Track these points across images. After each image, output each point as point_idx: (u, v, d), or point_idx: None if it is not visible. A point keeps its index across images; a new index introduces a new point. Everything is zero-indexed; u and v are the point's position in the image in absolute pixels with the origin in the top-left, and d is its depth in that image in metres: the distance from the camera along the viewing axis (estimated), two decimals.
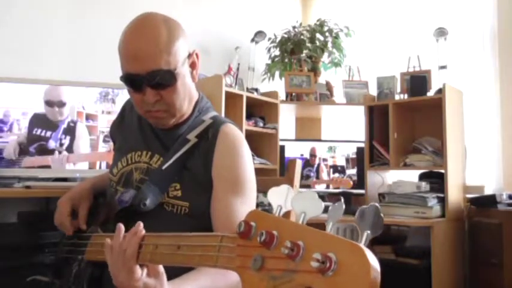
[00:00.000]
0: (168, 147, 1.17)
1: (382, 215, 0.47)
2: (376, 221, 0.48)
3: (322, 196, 3.18)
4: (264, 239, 0.51)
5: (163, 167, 1.12)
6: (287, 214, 0.56)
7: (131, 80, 1.07)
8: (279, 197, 0.57)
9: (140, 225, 0.88)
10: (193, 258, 0.69)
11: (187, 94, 1.14)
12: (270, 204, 0.58)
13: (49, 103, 2.19)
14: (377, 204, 0.49)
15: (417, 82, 2.91)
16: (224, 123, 1.19)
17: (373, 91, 3.17)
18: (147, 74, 1.04)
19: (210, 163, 1.13)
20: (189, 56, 1.14)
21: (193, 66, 1.16)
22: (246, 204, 1.09)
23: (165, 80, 1.06)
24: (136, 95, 1.10)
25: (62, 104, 2.21)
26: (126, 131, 1.30)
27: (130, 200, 1.10)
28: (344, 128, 3.57)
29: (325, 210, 0.55)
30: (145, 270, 0.85)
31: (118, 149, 1.31)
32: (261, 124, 3.03)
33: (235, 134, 1.19)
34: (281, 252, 0.48)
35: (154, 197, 1.09)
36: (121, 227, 0.90)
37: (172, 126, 1.18)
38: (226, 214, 1.07)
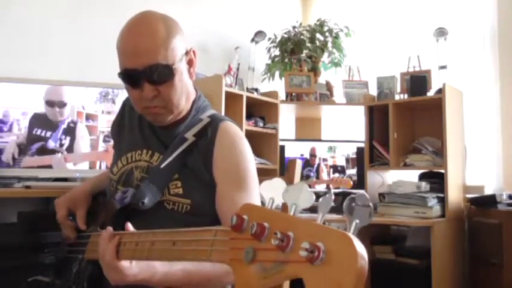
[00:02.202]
0: (167, 146, 1.18)
1: (371, 204, 0.48)
2: (365, 210, 0.48)
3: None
4: (255, 230, 0.51)
5: (162, 166, 1.12)
6: (284, 208, 0.56)
7: (129, 76, 1.08)
8: (271, 190, 0.57)
9: (129, 225, 0.93)
10: (188, 254, 0.70)
11: (184, 91, 1.15)
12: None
13: (50, 103, 2.19)
14: (365, 193, 0.48)
15: (417, 82, 2.91)
16: (222, 121, 1.20)
17: (373, 91, 3.17)
18: (145, 68, 1.05)
19: (210, 161, 1.13)
20: (186, 53, 1.15)
21: (190, 63, 1.17)
22: (250, 199, 1.10)
23: (163, 74, 1.07)
24: (134, 92, 1.10)
25: (62, 104, 2.21)
26: (126, 129, 1.30)
27: (129, 199, 1.11)
28: (344, 128, 3.57)
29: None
30: (133, 262, 0.88)
31: (118, 147, 1.31)
32: (261, 124, 3.03)
33: (234, 131, 1.19)
34: (272, 244, 0.49)
35: (153, 196, 1.09)
36: (103, 234, 0.93)
37: (170, 124, 1.18)
38: (232, 211, 1.07)
